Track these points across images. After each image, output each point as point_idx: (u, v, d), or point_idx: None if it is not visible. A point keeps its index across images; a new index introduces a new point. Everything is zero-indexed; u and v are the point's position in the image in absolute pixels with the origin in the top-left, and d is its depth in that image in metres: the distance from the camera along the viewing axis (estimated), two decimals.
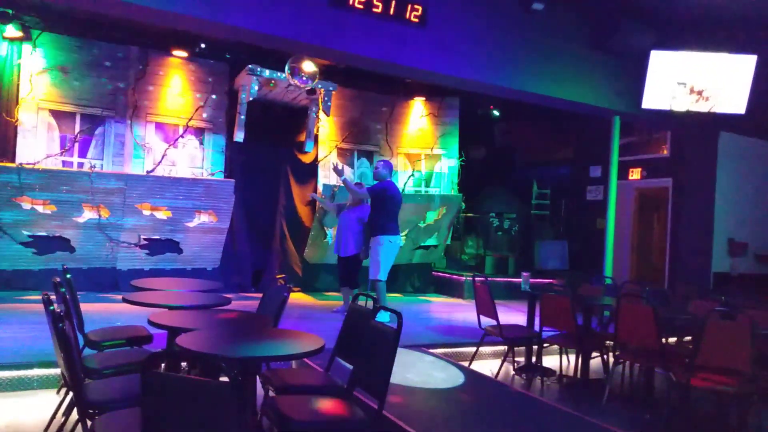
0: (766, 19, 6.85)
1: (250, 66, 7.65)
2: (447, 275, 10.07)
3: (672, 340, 5.75)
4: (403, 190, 9.60)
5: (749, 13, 6.74)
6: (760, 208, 8.82)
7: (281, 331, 3.13)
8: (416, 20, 5.99)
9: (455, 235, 10.49)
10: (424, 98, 9.83)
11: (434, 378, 4.60)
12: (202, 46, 7.92)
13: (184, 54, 8.05)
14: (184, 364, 3.42)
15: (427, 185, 10.12)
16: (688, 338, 5.42)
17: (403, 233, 9.28)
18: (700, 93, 7.22)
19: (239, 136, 7.87)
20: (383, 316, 6.31)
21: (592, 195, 10.32)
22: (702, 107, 7.25)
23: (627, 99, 7.38)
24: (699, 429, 4.56)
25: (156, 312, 3.26)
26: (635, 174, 9.52)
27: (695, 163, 8.39)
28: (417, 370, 4.76)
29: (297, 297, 8.37)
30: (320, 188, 8.65)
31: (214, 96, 8.35)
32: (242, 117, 7.84)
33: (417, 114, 9.92)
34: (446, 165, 10.20)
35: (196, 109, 8.20)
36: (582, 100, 7.18)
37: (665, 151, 9.22)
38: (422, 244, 9.62)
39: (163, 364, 3.08)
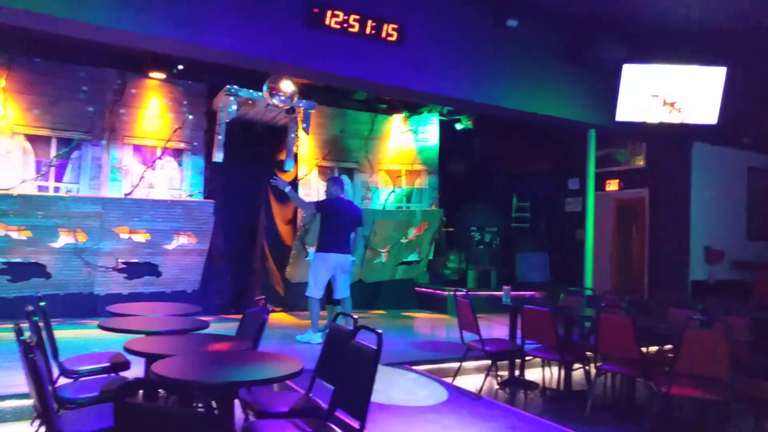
0: (734, 32, 7.03)
1: (228, 86, 7.65)
2: (430, 291, 10.07)
3: (653, 349, 5.81)
4: (384, 207, 9.62)
5: (718, 26, 6.91)
6: (735, 216, 8.99)
7: (260, 355, 3.10)
8: (393, 39, 6.05)
9: (437, 250, 10.51)
10: (404, 114, 9.90)
11: (418, 395, 4.58)
12: (180, 67, 7.90)
13: (162, 76, 8.03)
14: (162, 391, 3.36)
15: (408, 201, 10.16)
16: (668, 347, 5.47)
17: (385, 249, 9.30)
18: (672, 105, 7.37)
19: (218, 156, 7.84)
20: (311, 337, 6.34)
21: (570, 207, 10.43)
22: (675, 119, 7.39)
23: (601, 112, 7.50)
24: None
25: (132, 339, 3.22)
26: (612, 185, 9.65)
27: (670, 173, 8.55)
28: (400, 388, 4.74)
29: (279, 317, 8.31)
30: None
31: (192, 117, 8.33)
32: (221, 137, 7.82)
33: (397, 130, 9.98)
34: (426, 180, 10.26)
35: (174, 131, 8.17)
36: (557, 114, 7.29)
37: (641, 162, 9.38)
38: (404, 260, 9.63)
39: (141, 393, 3.04)
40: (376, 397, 4.36)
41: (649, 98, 7.28)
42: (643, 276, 9.17)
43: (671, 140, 8.31)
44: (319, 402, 3.24)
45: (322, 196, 9.09)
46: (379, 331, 2.81)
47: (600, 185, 9.74)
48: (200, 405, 1.72)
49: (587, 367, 5.10)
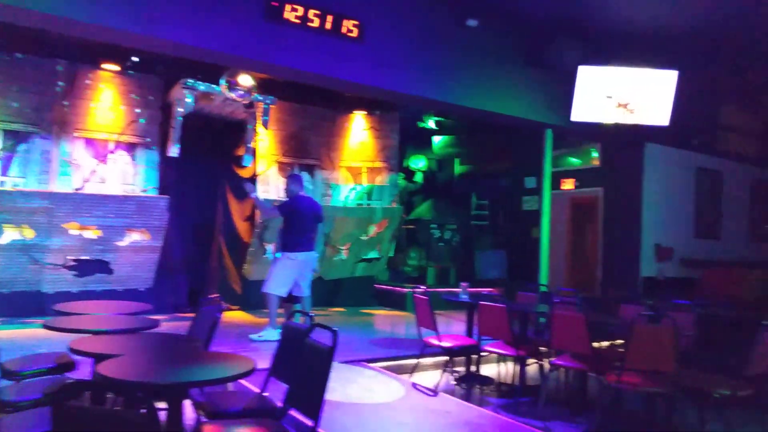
0: (685, 37, 7.27)
1: (184, 79, 7.48)
2: (390, 288, 10.10)
3: (605, 344, 5.96)
4: (345, 204, 9.58)
5: (671, 31, 7.14)
6: (683, 215, 9.31)
7: (211, 354, 3.04)
8: (353, 35, 6.02)
9: (398, 247, 10.55)
10: (365, 112, 9.87)
11: (375, 392, 4.58)
12: (134, 59, 7.68)
13: (115, 67, 7.78)
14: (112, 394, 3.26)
15: (369, 198, 10.14)
16: (619, 342, 5.61)
17: (345, 246, 9.27)
18: (626, 106, 7.57)
19: (174, 151, 7.65)
20: (270, 334, 6.29)
21: (528, 205, 10.61)
22: (628, 119, 7.60)
23: (558, 112, 7.65)
24: (629, 429, 4.72)
25: (78, 338, 3.11)
26: (568, 184, 9.86)
27: (623, 172, 8.79)
28: (357, 386, 4.73)
29: (236, 316, 8.19)
30: None
31: (146, 110, 8.09)
32: (176, 131, 7.63)
33: (358, 128, 9.94)
34: (387, 177, 10.26)
35: (128, 124, 7.93)
36: (515, 113, 7.40)
37: (596, 162, 9.61)
38: (364, 257, 9.62)
39: (88, 395, 2.93)
40: (332, 395, 4.36)
41: (604, 99, 7.46)
42: (597, 273, 9.40)
43: (624, 141, 8.54)
44: (274, 401, 3.20)
45: (281, 193, 9.01)
46: (335, 329, 2.78)
47: (556, 184, 9.94)
48: (144, 407, 1.67)
49: (542, 363, 5.19)
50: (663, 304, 5.65)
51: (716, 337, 5.44)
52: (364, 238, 9.30)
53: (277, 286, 6.44)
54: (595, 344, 5.52)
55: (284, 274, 6.44)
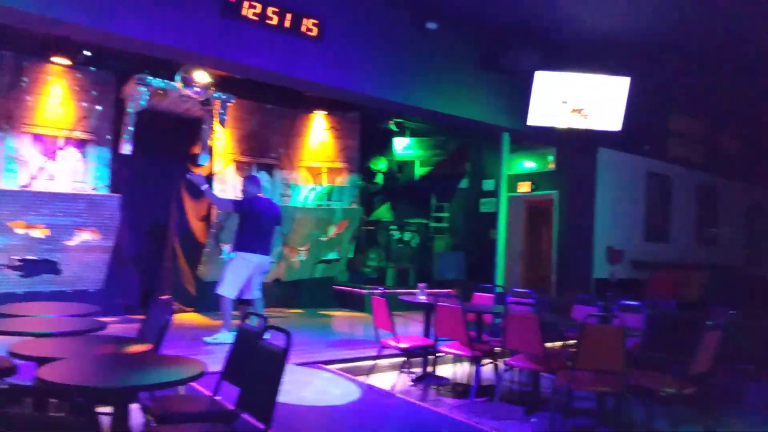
0: (638, 45, 7.50)
1: (138, 75, 7.28)
2: (349, 289, 10.08)
3: (558, 344, 6.08)
4: (304, 204, 9.51)
5: (623, 39, 7.35)
6: (634, 218, 9.60)
7: (159, 357, 2.97)
8: (312, 34, 5.98)
9: (357, 248, 10.53)
10: (325, 112, 9.81)
11: (330, 395, 4.55)
12: (86, 53, 7.42)
13: (66, 61, 7.51)
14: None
15: (329, 199, 10.09)
16: (571, 342, 5.74)
17: (304, 247, 9.19)
18: (580, 111, 7.76)
19: (126, 148, 7.43)
20: (225, 336, 6.20)
21: (485, 207, 10.75)
22: (582, 124, 7.79)
23: (514, 116, 7.78)
24: (580, 427, 4.83)
25: (20, 341, 2.98)
26: (524, 187, 10.03)
27: (577, 176, 9.00)
28: (313, 388, 4.69)
29: (190, 318, 8.02)
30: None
31: (98, 106, 7.84)
32: (130, 128, 7.41)
33: (318, 127, 9.88)
34: (348, 178, 10.24)
35: (79, 120, 7.66)
36: (473, 116, 7.48)
37: (551, 165, 9.81)
38: (324, 258, 9.57)
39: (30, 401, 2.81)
40: (286, 398, 4.31)
41: (559, 104, 7.62)
42: (551, 274, 9.60)
43: (579, 145, 8.74)
44: (225, 405, 3.14)
45: (239, 193, 8.87)
46: (288, 330, 2.75)
47: (513, 187, 10.11)
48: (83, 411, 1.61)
49: (496, 363, 5.26)
50: (614, 304, 5.81)
51: (663, 336, 5.62)
52: (323, 238, 9.25)
53: (227, 286, 6.31)
54: (549, 344, 5.64)
55: (236, 274, 6.32)
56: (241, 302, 6.58)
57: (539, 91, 7.57)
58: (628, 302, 5.57)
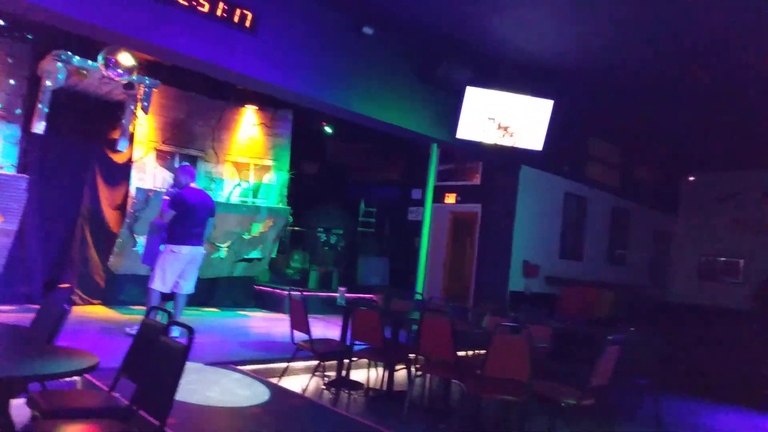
0: (563, 71, 7.84)
1: (57, 51, 6.86)
2: (270, 289, 9.90)
3: (470, 353, 6.22)
4: (228, 200, 9.26)
5: (550, 63, 7.66)
6: (551, 236, 10.01)
7: (51, 348, 2.78)
8: (246, 26, 5.85)
9: (281, 248, 10.36)
10: (256, 107, 9.63)
11: (237, 396, 4.43)
12: (0, 22, 6.93)
13: None
14: None
15: (255, 196, 9.89)
16: (483, 351, 5.88)
17: (225, 244, 8.94)
18: (506, 129, 8.00)
19: (39, 127, 6.98)
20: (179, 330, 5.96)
21: (413, 216, 10.89)
22: (507, 142, 8.04)
23: (444, 128, 7.92)
24: None
25: None
26: (451, 198, 10.24)
27: (500, 191, 9.28)
28: (220, 388, 4.55)
29: (98, 310, 7.62)
30: (132, 192, 7.99)
31: (11, 81, 7.32)
32: (43, 107, 6.97)
33: (248, 122, 9.68)
34: (276, 177, 10.07)
35: None
36: (404, 125, 7.56)
37: (477, 179, 10.07)
38: (245, 257, 9.34)
39: None
40: (192, 397, 4.16)
41: (486, 120, 7.83)
42: (471, 285, 9.83)
43: (503, 161, 9.02)
44: (121, 401, 2.99)
45: (158, 182, 8.54)
46: (191, 326, 2.65)
47: (440, 197, 10.30)
48: None
49: (410, 369, 5.31)
50: (525, 316, 6.01)
51: (569, 349, 5.88)
52: (246, 237, 9.04)
53: (158, 280, 6.03)
54: (462, 353, 5.76)
55: (166, 268, 6.06)
56: (162, 297, 6.30)
57: (469, 105, 7.75)
58: (541, 315, 5.78)
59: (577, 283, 9.61)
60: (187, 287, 6.29)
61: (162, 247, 6.19)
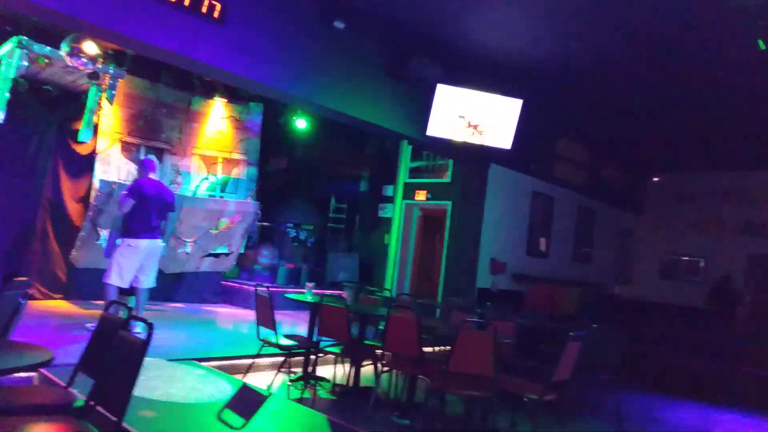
0: (532, 70, 7.92)
1: (18, 37, 6.64)
2: (238, 285, 9.80)
3: (437, 349, 6.26)
4: (195, 194, 9.12)
5: (520, 62, 7.73)
6: (517, 234, 10.13)
7: (4, 343, 2.70)
8: (214, 16, 5.75)
9: (250, 243, 10.26)
10: (225, 100, 9.50)
11: (200, 392, 4.38)
12: None
13: None
14: None
15: (223, 190, 9.76)
16: (450, 347, 5.92)
17: (191, 239, 8.81)
18: (475, 127, 8.06)
19: None
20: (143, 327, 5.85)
21: (383, 212, 10.89)
22: (476, 140, 8.10)
23: (415, 125, 7.93)
24: (449, 430, 4.99)
25: None
26: (421, 195, 10.27)
27: (469, 189, 9.34)
28: (183, 385, 4.49)
29: (59, 305, 7.43)
30: (96, 184, 7.81)
31: None
32: (5, 94, 6.75)
33: (217, 115, 9.54)
34: (245, 171, 9.96)
35: None
36: (374, 121, 7.54)
37: (447, 177, 10.12)
38: (212, 252, 9.22)
39: None
40: (153, 394, 4.10)
41: (457, 118, 7.88)
42: (440, 281, 9.89)
43: (472, 159, 9.09)
44: (77, 397, 2.93)
45: (123, 175, 8.36)
46: (150, 321, 2.61)
47: (411, 194, 10.33)
48: None
49: (377, 365, 5.31)
50: (492, 313, 6.08)
51: (533, 345, 5.96)
52: (213, 231, 8.92)
53: (115, 275, 5.90)
54: (429, 349, 5.80)
55: (122, 262, 5.92)
56: (129, 293, 6.17)
57: (440, 103, 7.78)
58: (507, 311, 5.85)
59: (543, 281, 9.76)
60: (147, 282, 6.17)
61: (119, 241, 6.05)
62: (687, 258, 12.94)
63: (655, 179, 13.54)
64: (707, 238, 12.62)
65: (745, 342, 9.45)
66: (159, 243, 6.20)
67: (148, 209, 5.99)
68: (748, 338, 9.63)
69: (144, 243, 5.98)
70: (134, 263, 5.98)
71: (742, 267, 11.99)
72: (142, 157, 8.63)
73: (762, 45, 4.90)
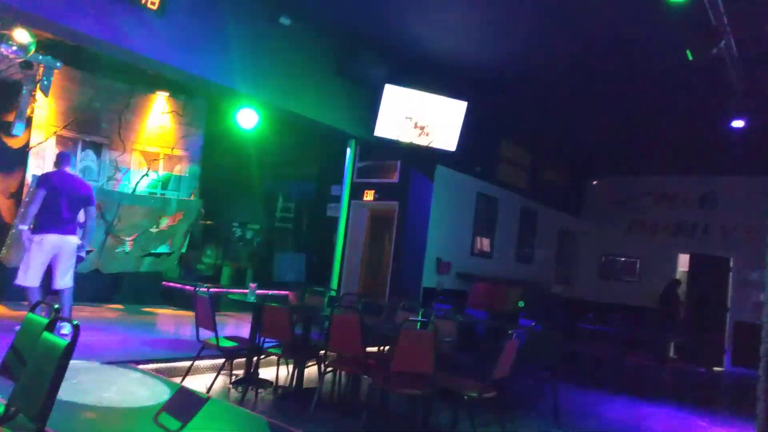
0: (477, 73, 8.05)
1: None
2: (179, 286, 9.53)
3: (382, 348, 6.27)
4: (134, 191, 8.83)
5: (464, 64, 7.84)
6: (461, 234, 10.29)
7: None
8: (153, 7, 5.56)
9: (192, 243, 9.99)
10: (167, 94, 9.22)
11: (135, 396, 4.24)
12: None
13: None
14: None
15: (164, 188, 9.49)
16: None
17: (130, 238, 8.53)
18: (422, 128, 8.13)
19: None
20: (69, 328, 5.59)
21: (332, 212, 10.83)
22: (423, 141, 8.17)
23: (363, 125, 7.93)
24: (392, 429, 5.01)
25: None
26: (369, 195, 10.27)
27: (416, 190, 9.42)
28: (117, 388, 4.34)
29: None
30: (29, 179, 7.45)
31: None
32: None
33: (159, 110, 9.26)
34: (187, 168, 9.71)
35: None
36: (321, 119, 7.49)
37: (395, 177, 10.17)
38: (153, 252, 8.95)
39: None
40: (85, 398, 3.94)
41: (404, 119, 7.93)
42: (388, 281, 9.92)
43: (419, 161, 9.17)
44: (1, 402, 2.77)
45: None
46: (76, 322, 2.50)
47: (359, 194, 10.31)
48: None
49: (321, 365, 5.28)
50: (434, 311, 6.14)
51: (474, 343, 6.07)
52: (153, 230, 8.67)
53: (22, 274, 5.54)
54: (373, 348, 5.81)
55: (31, 259, 5.55)
56: (53, 292, 5.86)
57: (387, 103, 7.81)
58: (441, 305, 5.91)
59: (486, 280, 9.93)
60: (63, 282, 5.77)
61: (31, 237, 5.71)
62: (623, 259, 13.46)
63: (594, 182, 14.02)
64: (642, 239, 13.17)
65: (677, 339, 9.93)
66: (71, 239, 5.76)
67: (58, 202, 5.62)
68: (681, 336, 10.12)
69: (51, 238, 5.59)
70: (41, 259, 5.59)
71: (678, 267, 12.62)
72: (79, 152, 8.31)
73: (690, 55, 5.14)
